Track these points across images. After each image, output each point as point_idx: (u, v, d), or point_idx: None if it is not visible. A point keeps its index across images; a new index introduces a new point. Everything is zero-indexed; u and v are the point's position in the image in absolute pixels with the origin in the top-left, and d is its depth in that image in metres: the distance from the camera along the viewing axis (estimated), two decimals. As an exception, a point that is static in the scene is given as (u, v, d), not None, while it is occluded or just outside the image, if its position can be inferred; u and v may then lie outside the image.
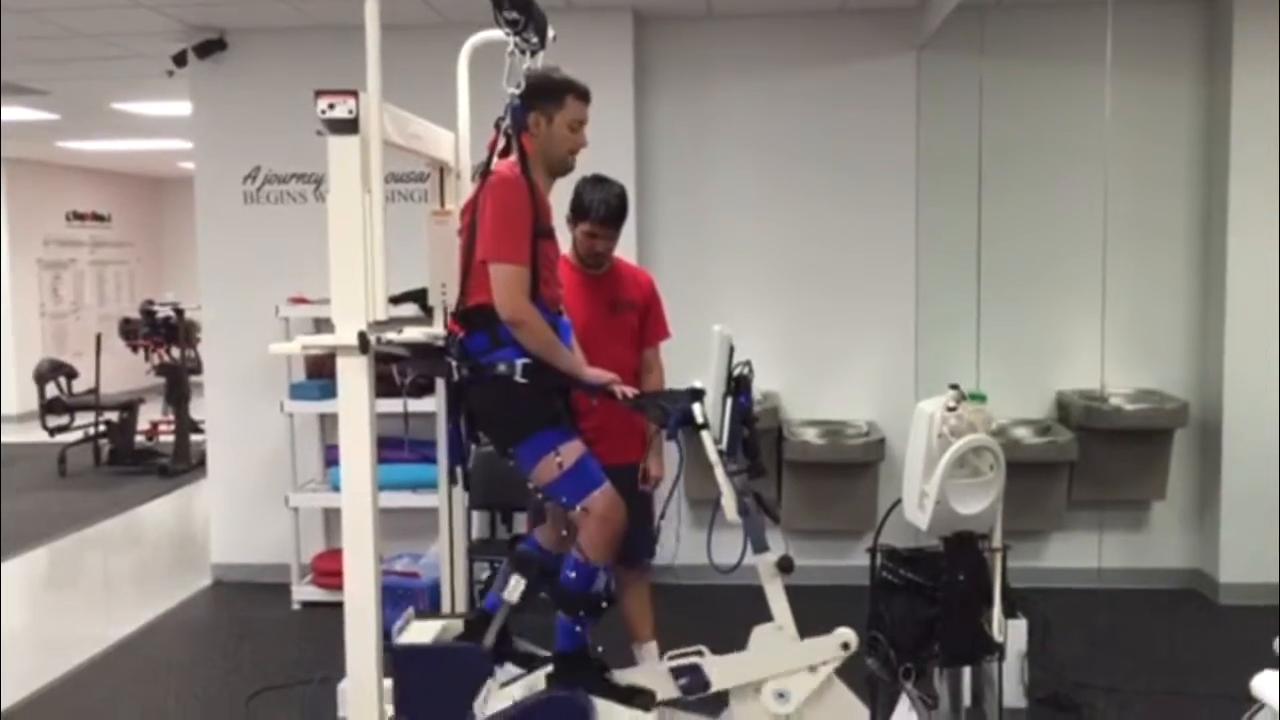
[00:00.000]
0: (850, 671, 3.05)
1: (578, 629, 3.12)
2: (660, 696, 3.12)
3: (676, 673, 3.15)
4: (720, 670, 3.12)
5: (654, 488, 3.78)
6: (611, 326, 3.72)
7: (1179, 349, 5.37)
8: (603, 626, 3.26)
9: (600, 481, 3.05)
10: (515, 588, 3.23)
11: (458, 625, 3.40)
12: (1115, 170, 5.01)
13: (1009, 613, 3.14)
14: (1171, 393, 5.28)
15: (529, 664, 3.31)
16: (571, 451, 3.03)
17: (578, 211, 3.68)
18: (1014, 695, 3.72)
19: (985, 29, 5.23)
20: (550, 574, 3.24)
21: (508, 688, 3.20)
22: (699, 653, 3.18)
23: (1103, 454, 5.15)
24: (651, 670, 3.28)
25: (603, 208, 3.64)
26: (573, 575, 3.08)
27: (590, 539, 3.04)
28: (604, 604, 3.14)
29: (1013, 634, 3.60)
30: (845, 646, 3.02)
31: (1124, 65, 4.95)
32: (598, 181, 3.70)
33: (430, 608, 4.59)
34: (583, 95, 3.15)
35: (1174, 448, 5.23)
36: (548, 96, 3.09)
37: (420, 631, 3.32)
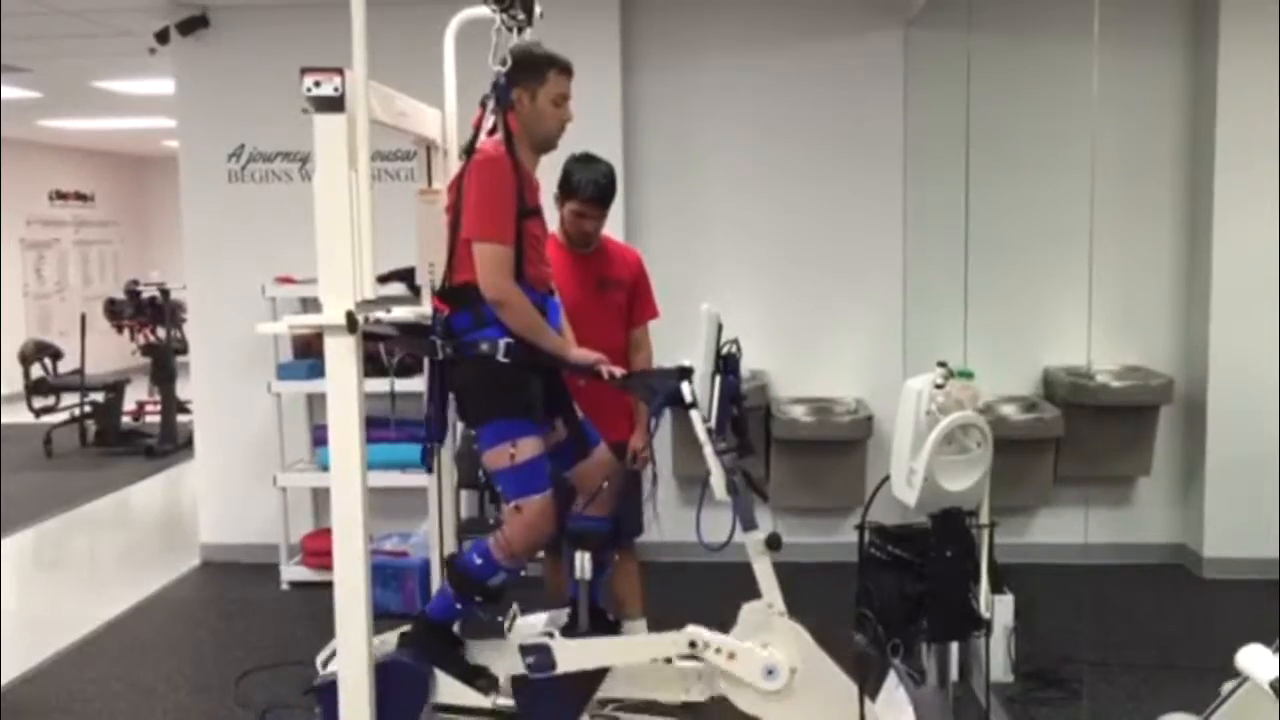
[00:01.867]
0: (838, 647, 3.07)
1: (457, 605, 3.11)
2: (504, 675, 3.10)
3: (525, 650, 3.11)
4: (568, 653, 3.09)
5: (642, 466, 3.78)
6: (599, 306, 3.71)
7: (1164, 325, 5.39)
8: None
9: (543, 488, 3.03)
10: (584, 565, 3.21)
11: (562, 616, 3.36)
12: (1102, 148, 5.01)
13: (996, 588, 3.17)
14: (1157, 369, 5.31)
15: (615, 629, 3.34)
16: (527, 448, 3.01)
17: (566, 190, 3.66)
18: (1001, 670, 3.76)
19: (973, 5, 5.20)
20: (612, 535, 3.29)
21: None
22: (549, 634, 3.18)
23: (1089, 430, 5.18)
24: (501, 648, 3.20)
25: (591, 187, 3.62)
26: (478, 561, 3.06)
27: (512, 537, 3.03)
28: (490, 599, 3.10)
29: (999, 609, 3.64)
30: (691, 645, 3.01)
31: (1111, 43, 4.94)
32: (586, 160, 3.68)
33: (420, 587, 4.60)
34: (565, 70, 3.13)
35: (1159, 424, 5.27)
36: (530, 72, 3.07)
37: (530, 625, 3.30)
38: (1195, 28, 5.23)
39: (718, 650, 2.99)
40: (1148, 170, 5.33)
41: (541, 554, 3.57)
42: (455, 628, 3.18)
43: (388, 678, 2.97)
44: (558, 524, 3.10)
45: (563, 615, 3.38)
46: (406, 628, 3.18)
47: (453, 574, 3.13)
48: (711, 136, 5.50)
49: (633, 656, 3.15)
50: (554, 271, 3.42)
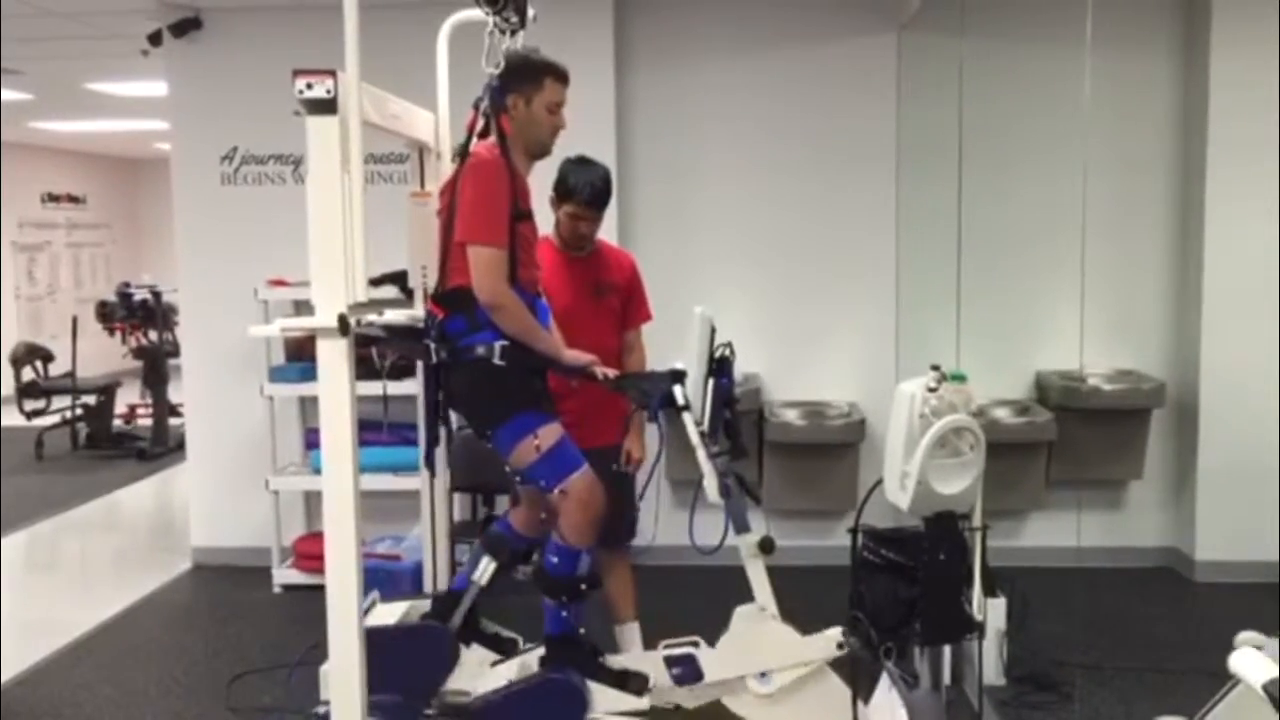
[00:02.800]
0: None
1: (563, 613, 3.12)
2: (653, 683, 3.12)
3: (670, 661, 3.15)
4: (713, 661, 3.12)
5: (635, 469, 3.78)
6: (594, 309, 3.71)
7: (1157, 329, 5.40)
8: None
9: (579, 464, 3.04)
10: (485, 569, 3.23)
11: (424, 606, 3.39)
12: (1094, 151, 5.02)
13: (988, 592, 3.17)
14: (1149, 373, 5.32)
15: (498, 646, 3.31)
16: (549, 434, 3.02)
17: (562, 193, 3.65)
18: (993, 673, 3.76)
19: (966, 9, 5.21)
20: (521, 556, 3.26)
21: (498, 667, 3.20)
22: (694, 643, 3.18)
23: (1081, 434, 5.19)
24: (645, 657, 3.27)
25: (588, 189, 3.62)
26: (555, 560, 3.08)
27: (570, 522, 3.03)
28: (586, 587, 3.13)
29: (992, 613, 3.64)
30: (840, 646, 3.02)
31: (1103, 45, 4.95)
32: (582, 163, 3.68)
33: (413, 590, 4.59)
34: (562, 77, 3.14)
35: (1151, 427, 5.27)
36: (527, 78, 3.07)
37: (386, 614, 3.32)
38: (1187, 30, 5.25)
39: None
40: (1139, 173, 5.34)
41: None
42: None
43: (545, 700, 3.02)
44: (599, 494, 3.06)
45: (424, 604, 3.38)
46: (543, 650, 3.18)
47: (541, 584, 3.12)
48: (705, 139, 5.50)
49: (789, 658, 3.09)
50: (548, 274, 3.43)
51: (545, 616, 3.16)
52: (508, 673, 3.17)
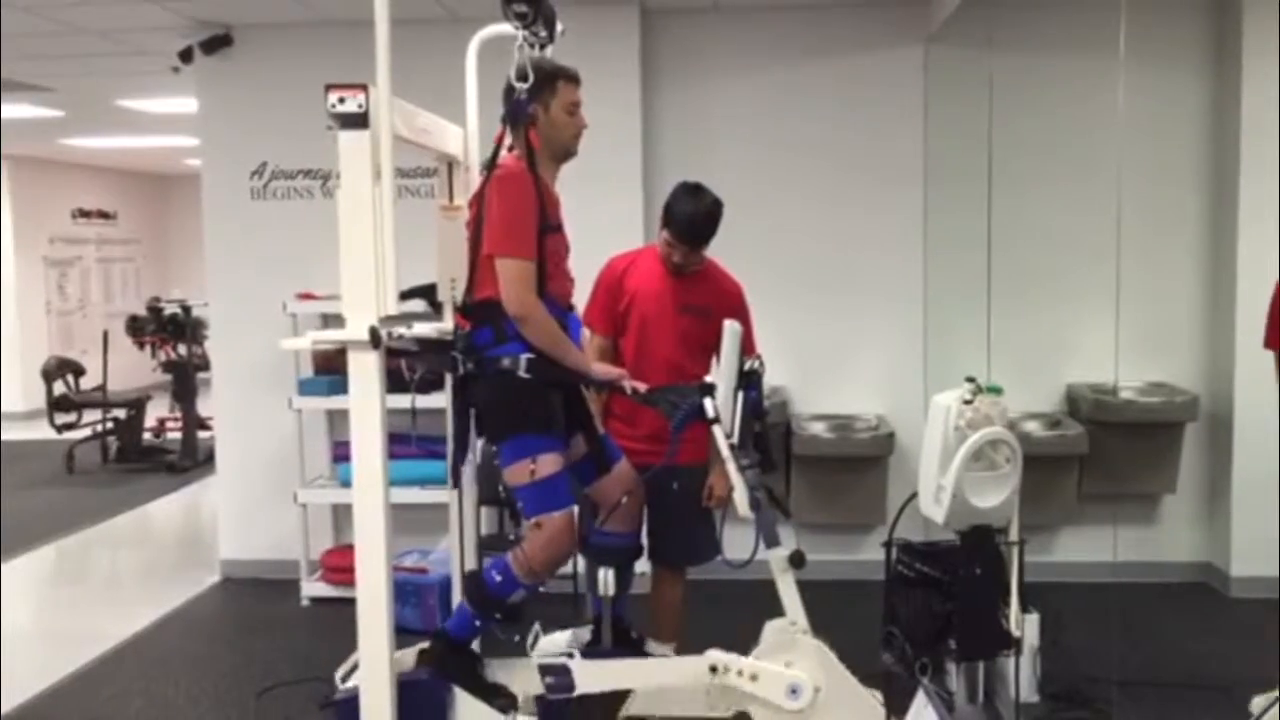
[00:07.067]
0: (866, 666, 3.04)
1: (476, 623, 3.09)
2: (523, 694, 3.08)
3: (544, 670, 3.09)
4: (585, 673, 3.07)
5: (717, 505, 3.65)
6: (673, 323, 3.64)
7: (1189, 342, 5.35)
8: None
9: (565, 504, 3.02)
10: (608, 582, 3.24)
11: (585, 633, 3.36)
12: (1127, 164, 4.98)
13: (1022, 606, 3.13)
14: (1182, 386, 5.26)
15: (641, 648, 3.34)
16: (547, 464, 2.99)
17: (664, 217, 3.63)
18: (1027, 689, 3.71)
19: (995, 22, 5.19)
20: (633, 552, 3.34)
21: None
22: (569, 654, 3.17)
23: (1113, 447, 5.13)
24: (520, 667, 3.19)
25: (683, 223, 3.58)
26: (497, 578, 3.04)
27: (532, 554, 3.00)
28: (509, 616, 3.08)
29: (1026, 628, 3.60)
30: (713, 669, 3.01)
31: (1134, 59, 4.91)
32: (691, 192, 3.63)
33: (440, 603, 4.59)
34: (573, 78, 3.15)
35: (1185, 441, 5.21)
36: (540, 86, 3.07)
37: (553, 643, 3.31)
38: (1218, 43, 5.21)
39: (739, 673, 2.96)
40: (1172, 186, 5.29)
41: (567, 568, 3.55)
42: (475, 645, 3.17)
43: (406, 696, 2.95)
44: (570, 541, 3.06)
45: (585, 633, 3.36)
46: (424, 645, 3.16)
47: (472, 591, 3.11)
48: (731, 153, 5.49)
49: (652, 680, 3.13)
50: (643, 279, 3.52)
51: (455, 614, 3.16)
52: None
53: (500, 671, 3.15)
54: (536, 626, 3.34)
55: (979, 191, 5.23)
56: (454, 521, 3.54)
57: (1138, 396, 5.19)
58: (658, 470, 3.22)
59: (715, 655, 3.00)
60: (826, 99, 5.47)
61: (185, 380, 8.78)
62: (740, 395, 3.09)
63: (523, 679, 3.11)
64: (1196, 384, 5.27)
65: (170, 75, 6.08)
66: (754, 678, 2.95)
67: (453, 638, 3.13)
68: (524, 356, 2.99)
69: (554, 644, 3.28)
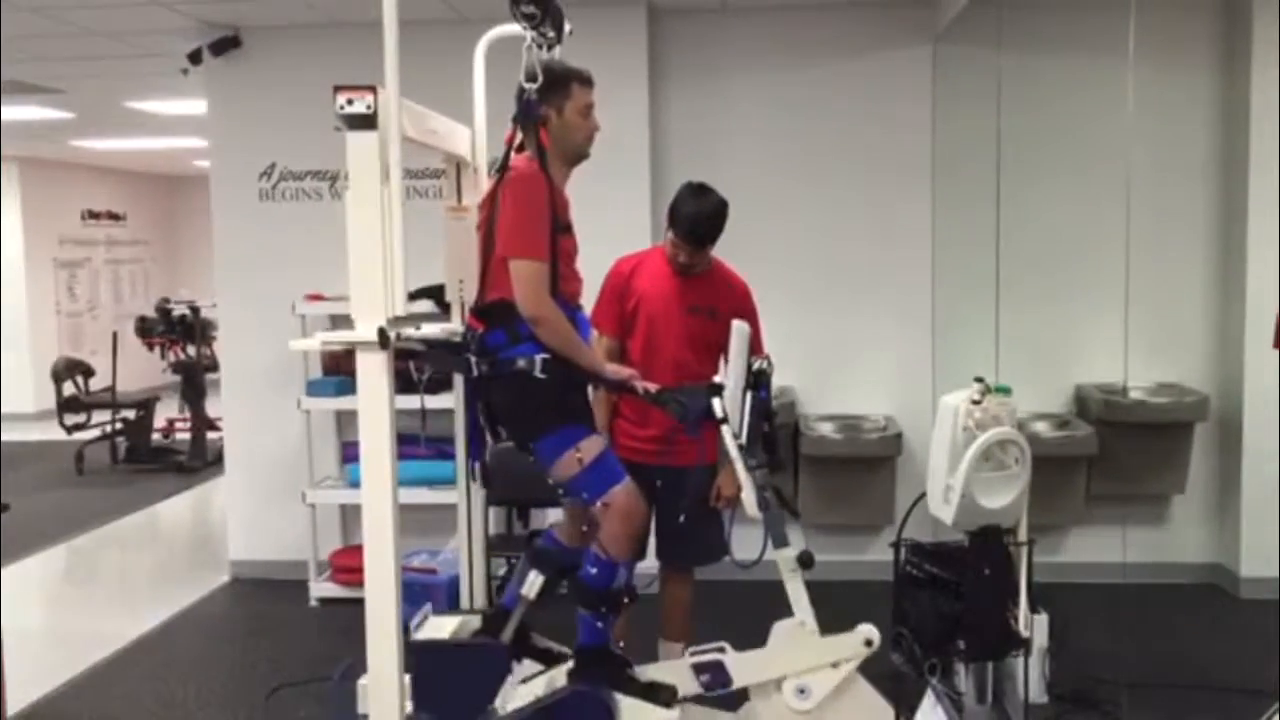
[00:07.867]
0: (874, 666, 3.04)
1: (599, 624, 3.10)
2: (681, 692, 3.10)
3: (698, 669, 3.13)
4: (742, 666, 3.10)
5: (725, 506, 3.66)
6: (680, 322, 3.65)
7: (1199, 342, 5.33)
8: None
9: (620, 477, 3.03)
10: (533, 584, 3.23)
11: (475, 621, 3.39)
12: (1136, 163, 4.97)
13: (1031, 607, 3.12)
14: (1191, 386, 5.25)
15: (548, 660, 3.31)
16: (592, 446, 3.01)
17: (670, 218, 3.63)
18: (1035, 690, 3.70)
19: (1003, 20, 5.18)
20: (568, 570, 3.24)
21: (528, 684, 3.19)
22: (720, 649, 3.17)
23: (1122, 448, 5.12)
24: (673, 666, 3.26)
25: (687, 224, 3.58)
26: (593, 571, 3.07)
27: (611, 534, 3.02)
28: (625, 600, 3.12)
29: (1035, 629, 3.59)
30: (868, 643, 3.00)
31: (1143, 58, 4.90)
32: (696, 192, 3.63)
33: (448, 604, 4.59)
34: (587, 81, 3.15)
35: (1194, 441, 5.20)
36: (554, 88, 3.08)
37: (437, 627, 3.31)
38: (1227, 42, 5.19)
39: None
40: (1181, 186, 5.28)
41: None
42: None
43: (571, 714, 2.99)
44: (641, 506, 3.07)
45: (475, 620, 3.37)
46: (569, 664, 3.18)
47: (578, 595, 3.12)
48: (739, 152, 5.49)
49: (808, 661, 3.08)
50: (651, 279, 3.51)
51: (579, 627, 3.15)
52: (535, 689, 3.15)
53: (650, 672, 3.19)
54: (427, 607, 3.35)
55: (987, 191, 5.22)
56: (462, 522, 3.55)
57: (1147, 397, 5.17)
58: (667, 471, 3.22)
59: (867, 629, 3.01)
60: (835, 99, 5.46)
61: (194, 381, 8.80)
62: (748, 395, 3.10)
63: (673, 679, 3.14)
64: (1206, 384, 5.26)
65: (179, 77, 6.08)
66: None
67: (590, 647, 3.13)
68: (539, 357, 2.99)
69: (438, 628, 3.27)
